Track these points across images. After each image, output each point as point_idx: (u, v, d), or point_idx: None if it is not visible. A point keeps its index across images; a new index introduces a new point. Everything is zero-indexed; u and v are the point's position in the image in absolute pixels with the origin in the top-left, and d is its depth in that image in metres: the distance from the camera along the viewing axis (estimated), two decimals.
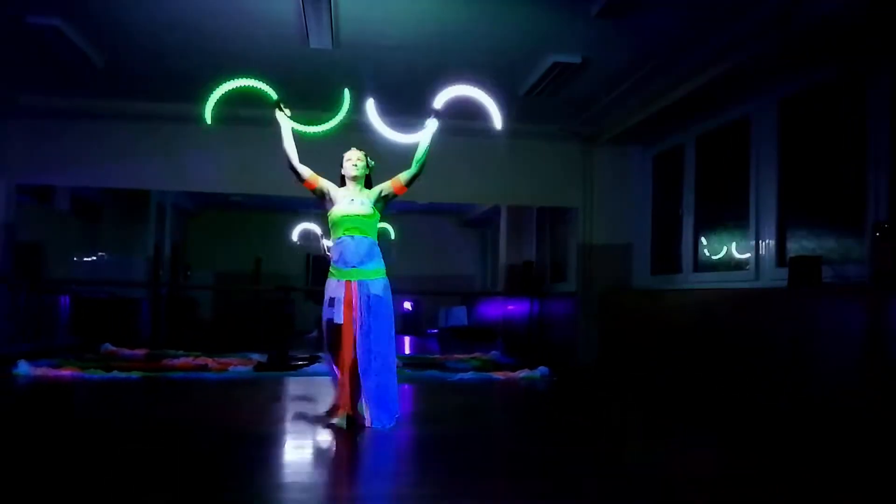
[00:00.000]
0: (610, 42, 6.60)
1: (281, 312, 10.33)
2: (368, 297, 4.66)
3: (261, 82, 4.96)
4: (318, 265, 16.31)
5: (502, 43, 6.71)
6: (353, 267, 4.68)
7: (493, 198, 11.19)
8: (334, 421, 4.68)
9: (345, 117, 5.08)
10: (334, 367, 4.78)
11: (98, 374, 7.20)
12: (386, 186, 4.88)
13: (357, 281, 4.68)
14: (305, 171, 4.89)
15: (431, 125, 4.86)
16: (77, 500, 3.10)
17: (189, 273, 16.47)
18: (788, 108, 6.50)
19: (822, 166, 6.07)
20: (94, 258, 12.60)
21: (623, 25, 6.19)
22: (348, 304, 4.66)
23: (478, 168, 9.40)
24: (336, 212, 4.77)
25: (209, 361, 8.45)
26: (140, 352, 9.56)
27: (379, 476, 3.84)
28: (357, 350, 4.62)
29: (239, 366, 8.27)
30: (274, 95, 4.93)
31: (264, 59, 7.19)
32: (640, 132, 8.60)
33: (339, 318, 4.65)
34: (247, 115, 8.85)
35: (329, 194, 4.85)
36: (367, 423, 4.65)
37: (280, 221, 16.28)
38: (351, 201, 4.79)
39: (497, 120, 5.08)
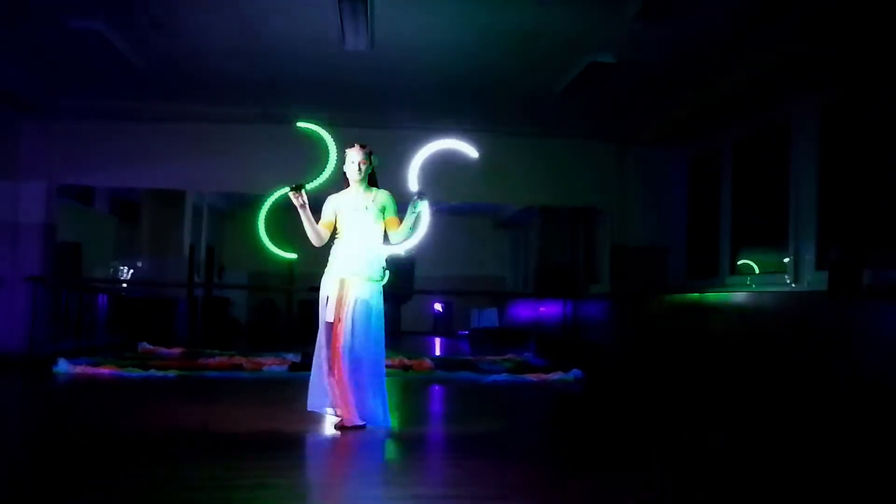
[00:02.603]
0: (646, 43, 6.54)
1: (314, 313, 10.38)
2: (361, 300, 4.62)
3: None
4: None
5: (538, 44, 6.68)
6: (352, 270, 4.67)
7: (526, 199, 11.13)
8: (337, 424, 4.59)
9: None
10: (324, 366, 4.66)
11: (136, 372, 7.31)
12: (389, 211, 4.76)
13: (351, 280, 4.65)
14: (325, 234, 4.81)
15: (424, 205, 4.74)
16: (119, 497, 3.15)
17: (223, 273, 16.64)
18: (829, 110, 6.38)
19: (863, 169, 5.94)
20: (131, 268, 12.76)
21: (660, 26, 6.12)
22: (339, 302, 4.62)
23: (511, 169, 9.37)
24: (342, 218, 4.74)
25: (244, 361, 8.55)
26: (176, 351, 9.69)
27: (413, 478, 3.84)
28: (342, 349, 4.56)
29: (273, 365, 8.35)
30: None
31: (301, 61, 7.25)
32: (676, 134, 8.50)
33: (330, 317, 4.62)
34: (282, 114, 8.97)
35: (337, 212, 4.77)
36: (347, 420, 4.58)
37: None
38: (356, 207, 4.73)
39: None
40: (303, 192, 4.60)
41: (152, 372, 7.33)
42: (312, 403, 4.74)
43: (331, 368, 4.61)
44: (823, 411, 5.24)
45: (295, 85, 8.11)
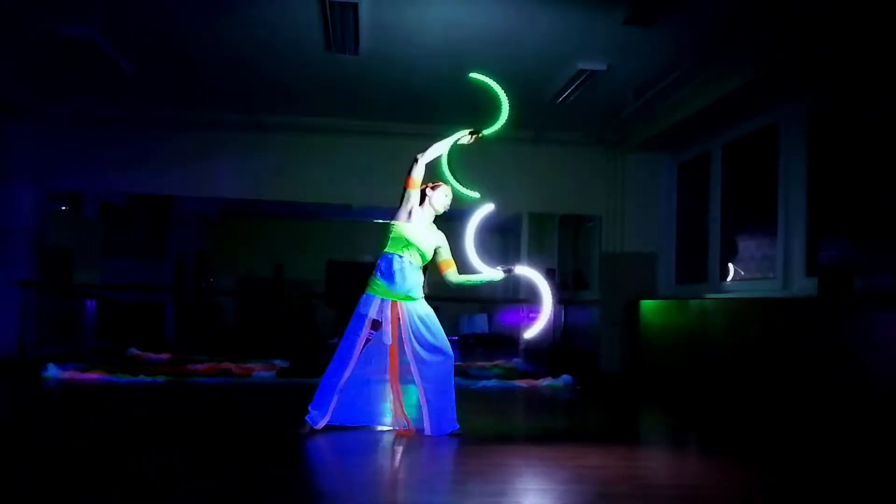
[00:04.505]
0: (636, 49, 6.59)
1: (303, 318, 10.36)
2: (419, 317, 4.77)
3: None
4: (340, 271, 16.36)
5: (528, 50, 6.71)
6: (403, 291, 4.75)
7: (516, 205, 11.13)
8: (399, 436, 4.71)
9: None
10: (340, 382, 4.73)
11: (125, 378, 7.28)
12: (445, 253, 4.99)
13: (402, 302, 4.76)
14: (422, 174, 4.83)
15: (496, 275, 5.00)
16: None
17: (212, 279, 16.56)
18: (817, 115, 6.43)
19: (853, 173, 5.99)
20: (120, 265, 12.72)
21: (649, 33, 6.17)
22: (394, 323, 4.73)
23: (501, 175, 9.38)
24: (413, 232, 4.79)
25: (232, 367, 8.52)
26: (164, 356, 9.64)
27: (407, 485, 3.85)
28: (415, 365, 4.73)
29: (262, 371, 8.32)
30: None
31: (291, 67, 7.26)
32: (666, 140, 8.55)
33: (388, 339, 4.72)
34: (271, 121, 8.98)
35: (414, 209, 4.82)
36: (427, 432, 4.76)
37: (301, 228, 16.40)
38: (425, 231, 4.86)
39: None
40: (476, 136, 4.88)
41: (141, 377, 7.30)
42: (341, 419, 4.81)
43: (394, 387, 4.82)
44: (816, 418, 5.27)
45: (285, 92, 8.11)
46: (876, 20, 5.11)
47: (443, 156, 4.89)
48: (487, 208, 4.99)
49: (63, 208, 10.80)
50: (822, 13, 5.35)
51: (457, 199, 5.10)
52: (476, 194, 4.95)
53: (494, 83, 5.04)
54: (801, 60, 5.88)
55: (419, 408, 4.80)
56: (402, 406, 4.83)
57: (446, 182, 4.95)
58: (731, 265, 7.82)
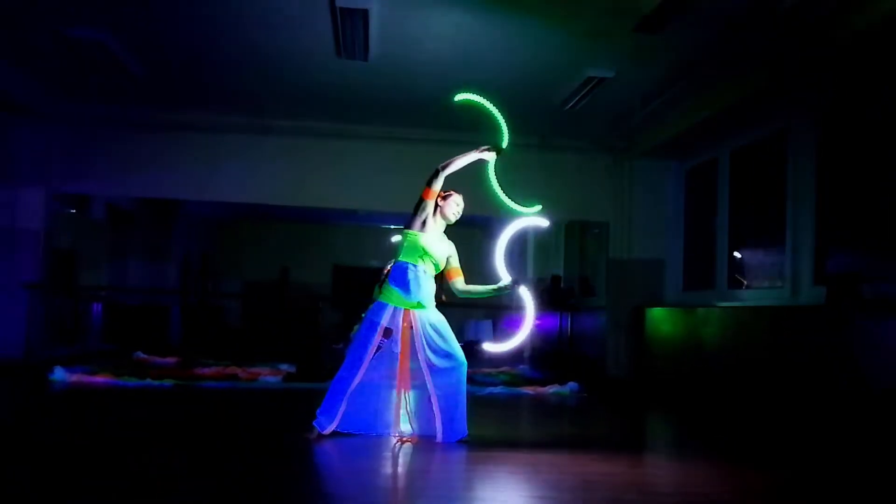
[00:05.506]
0: (644, 56, 6.59)
1: (308, 323, 10.36)
2: (431, 324, 4.78)
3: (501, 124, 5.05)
4: (346, 276, 16.37)
5: (537, 56, 6.73)
6: (417, 300, 4.75)
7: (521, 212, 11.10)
8: (405, 442, 4.69)
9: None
10: (349, 388, 4.72)
11: (132, 381, 7.28)
12: (454, 261, 5.00)
13: (416, 311, 4.76)
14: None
15: (504, 289, 4.98)
16: None
17: (217, 282, 16.59)
18: (825, 121, 6.41)
19: (862, 181, 5.97)
20: (126, 267, 12.76)
21: (657, 40, 6.17)
22: (406, 331, 4.74)
23: (508, 180, 9.36)
24: (428, 241, 4.80)
25: (239, 371, 8.52)
26: (171, 360, 9.64)
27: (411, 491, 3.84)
28: (428, 373, 4.73)
29: (268, 376, 8.32)
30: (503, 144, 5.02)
31: (299, 72, 7.29)
32: (673, 146, 8.54)
33: (398, 348, 4.72)
34: (279, 125, 8.99)
35: (428, 218, 4.83)
36: (438, 439, 4.73)
37: (307, 232, 16.41)
38: (438, 240, 4.87)
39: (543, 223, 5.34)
40: (492, 153, 4.99)
41: (148, 381, 7.31)
42: (349, 425, 4.79)
43: (399, 395, 4.78)
44: (824, 424, 5.25)
45: (294, 96, 8.13)
46: (875, 20, 5.10)
47: (490, 174, 4.92)
48: (532, 221, 5.04)
49: (69, 211, 10.82)
50: (821, 14, 5.34)
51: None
52: (533, 209, 5.04)
53: (483, 100, 5.02)
54: (802, 61, 5.87)
55: (431, 414, 4.79)
56: (409, 413, 4.81)
57: (499, 199, 5.00)
58: (739, 261, 7.80)
